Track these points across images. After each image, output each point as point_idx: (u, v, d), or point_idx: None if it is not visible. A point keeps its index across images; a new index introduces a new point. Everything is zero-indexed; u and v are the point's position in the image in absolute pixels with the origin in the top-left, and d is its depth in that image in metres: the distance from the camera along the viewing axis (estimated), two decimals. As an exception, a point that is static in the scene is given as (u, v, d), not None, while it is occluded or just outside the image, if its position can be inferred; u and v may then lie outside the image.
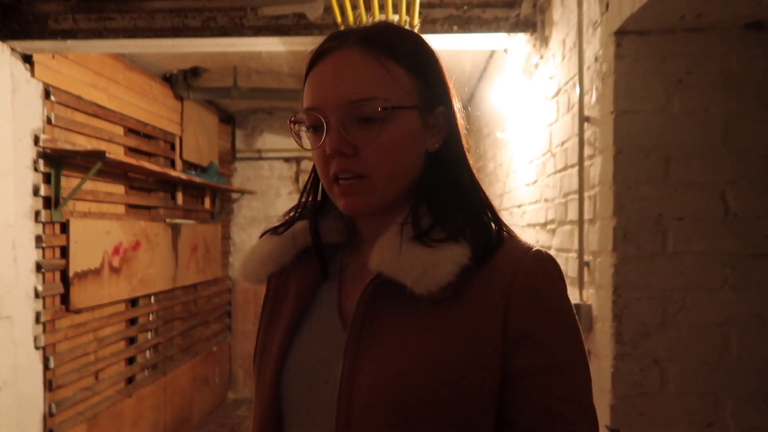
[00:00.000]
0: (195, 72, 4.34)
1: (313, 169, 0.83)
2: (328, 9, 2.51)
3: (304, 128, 0.78)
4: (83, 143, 3.23)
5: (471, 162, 0.81)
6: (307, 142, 0.78)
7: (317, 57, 0.75)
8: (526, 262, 0.73)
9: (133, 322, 3.84)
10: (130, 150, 3.81)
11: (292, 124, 0.79)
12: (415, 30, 2.35)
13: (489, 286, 0.71)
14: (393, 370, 0.69)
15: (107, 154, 2.99)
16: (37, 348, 2.89)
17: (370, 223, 0.80)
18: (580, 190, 1.96)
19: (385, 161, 0.73)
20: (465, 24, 2.52)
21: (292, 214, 0.87)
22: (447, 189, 0.77)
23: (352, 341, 0.72)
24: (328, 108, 0.72)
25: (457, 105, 0.80)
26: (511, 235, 0.78)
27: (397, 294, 0.71)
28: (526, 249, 0.75)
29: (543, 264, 0.74)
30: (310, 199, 0.85)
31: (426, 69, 0.77)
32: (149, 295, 4.01)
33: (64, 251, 3.06)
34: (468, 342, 0.70)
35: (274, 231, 0.86)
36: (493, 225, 0.77)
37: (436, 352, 0.69)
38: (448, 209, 0.75)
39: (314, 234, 0.82)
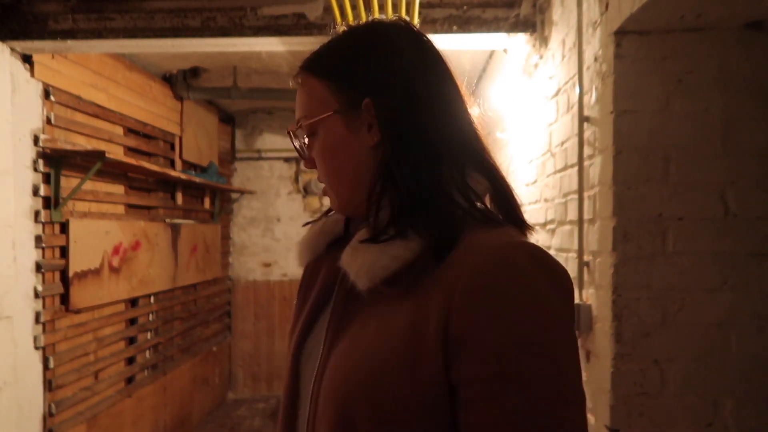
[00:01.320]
0: (195, 72, 4.34)
1: None
2: (328, 9, 2.51)
3: None
4: (83, 143, 3.23)
5: (438, 136, 0.73)
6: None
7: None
8: (483, 255, 0.65)
9: (132, 322, 3.84)
10: (130, 150, 3.81)
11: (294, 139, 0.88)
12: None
13: (440, 282, 0.66)
14: (346, 363, 0.70)
15: (107, 154, 2.99)
16: (36, 348, 2.89)
17: (359, 221, 0.82)
18: (580, 190, 1.96)
19: (325, 170, 0.80)
20: (465, 24, 2.52)
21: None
22: (398, 179, 0.72)
23: (329, 334, 0.75)
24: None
25: (405, 79, 0.74)
26: (493, 225, 0.71)
27: (367, 293, 0.72)
28: (494, 240, 0.68)
29: (505, 258, 0.65)
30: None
31: (347, 68, 0.76)
32: (149, 295, 4.00)
33: (64, 251, 3.06)
34: (408, 338, 0.65)
35: (314, 222, 0.92)
36: (460, 211, 0.71)
37: (379, 347, 0.67)
38: (400, 201, 0.71)
39: (346, 225, 0.86)
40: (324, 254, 0.87)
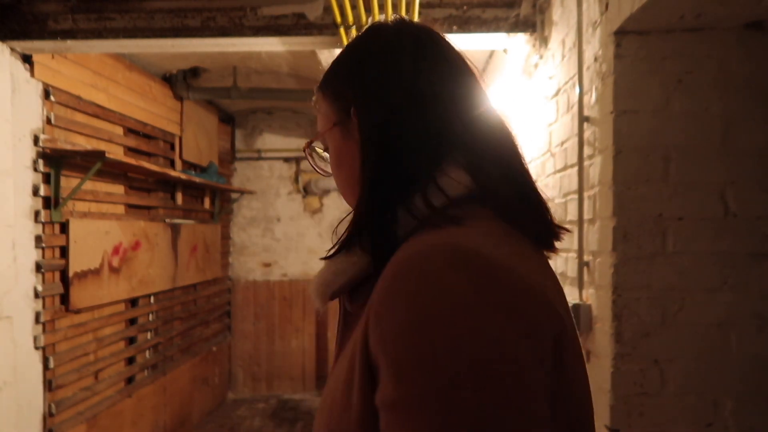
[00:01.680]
0: (195, 72, 4.34)
1: None
2: (328, 9, 2.51)
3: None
4: (83, 143, 3.23)
5: (416, 138, 0.68)
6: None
7: None
8: (392, 265, 0.57)
9: (132, 322, 3.84)
10: (130, 150, 3.81)
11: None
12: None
13: (371, 297, 0.59)
14: (326, 390, 0.69)
15: (107, 154, 2.99)
16: (36, 348, 2.89)
17: None
18: (580, 190, 1.96)
19: (336, 179, 0.79)
20: (464, 24, 2.52)
21: None
22: (362, 188, 0.70)
23: (336, 355, 0.75)
24: None
25: (388, 86, 0.70)
26: (436, 230, 0.61)
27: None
28: (420, 243, 0.59)
29: (419, 261, 0.56)
30: None
31: (336, 80, 0.78)
32: (149, 295, 4.00)
33: (64, 251, 3.06)
34: (350, 357, 0.61)
35: None
36: (414, 220, 0.64)
37: (338, 368, 0.67)
38: (356, 212, 0.70)
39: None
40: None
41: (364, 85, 0.72)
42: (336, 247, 0.71)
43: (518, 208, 0.68)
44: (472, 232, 0.60)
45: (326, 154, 0.82)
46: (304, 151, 0.84)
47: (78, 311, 3.18)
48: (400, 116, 0.68)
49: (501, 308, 0.53)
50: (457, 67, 0.73)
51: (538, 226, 0.70)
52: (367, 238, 0.66)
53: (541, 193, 0.72)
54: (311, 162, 0.85)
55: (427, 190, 0.65)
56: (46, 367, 2.95)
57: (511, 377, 0.51)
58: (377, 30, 0.76)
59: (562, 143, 2.19)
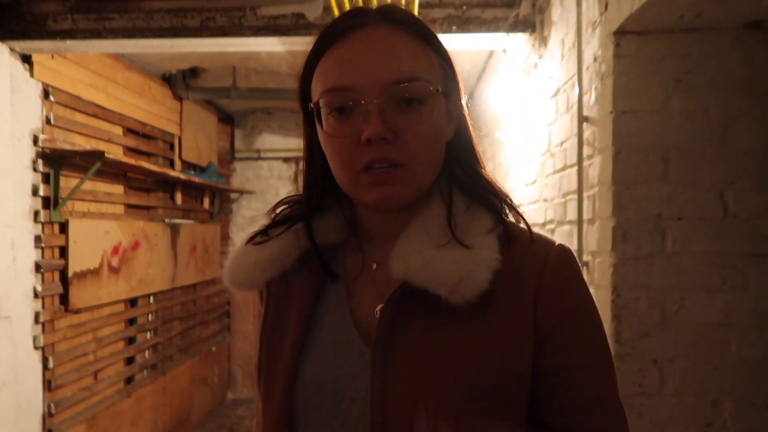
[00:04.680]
0: (194, 72, 4.34)
1: (316, 163, 0.75)
2: (327, 9, 2.51)
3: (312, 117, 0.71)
4: (82, 143, 3.23)
5: (480, 152, 0.79)
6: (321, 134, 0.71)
7: (336, 35, 0.68)
8: (552, 258, 0.71)
9: (132, 322, 3.84)
10: (129, 150, 3.81)
11: (309, 109, 0.70)
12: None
13: (516, 286, 0.69)
14: (424, 385, 0.65)
15: (106, 154, 2.99)
16: (36, 348, 2.89)
17: (385, 221, 0.74)
18: (579, 190, 1.96)
19: (426, 148, 0.67)
20: (464, 24, 2.52)
21: (285, 212, 0.81)
22: (469, 182, 0.74)
23: (379, 359, 0.67)
24: (366, 89, 0.65)
25: (464, 97, 0.77)
26: (529, 227, 0.75)
27: (423, 302, 0.67)
28: (547, 242, 0.73)
29: (568, 259, 0.73)
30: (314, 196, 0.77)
31: (447, 56, 0.73)
32: (148, 295, 4.00)
33: (63, 251, 3.06)
34: (500, 345, 0.68)
35: (264, 234, 0.80)
36: (510, 216, 0.75)
37: (469, 360, 0.66)
38: (474, 203, 0.73)
39: (309, 236, 0.76)
40: (290, 269, 0.77)
41: (455, 78, 0.74)
42: (467, 232, 0.70)
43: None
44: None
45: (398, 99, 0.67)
46: (374, 97, 0.65)
47: (77, 311, 3.18)
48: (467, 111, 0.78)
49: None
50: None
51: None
52: (500, 226, 0.72)
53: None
54: (386, 109, 0.65)
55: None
56: (45, 367, 2.95)
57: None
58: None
59: (562, 143, 2.19)
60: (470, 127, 0.77)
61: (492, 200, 0.73)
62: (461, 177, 0.74)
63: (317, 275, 0.76)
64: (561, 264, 0.71)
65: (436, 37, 0.72)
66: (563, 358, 0.70)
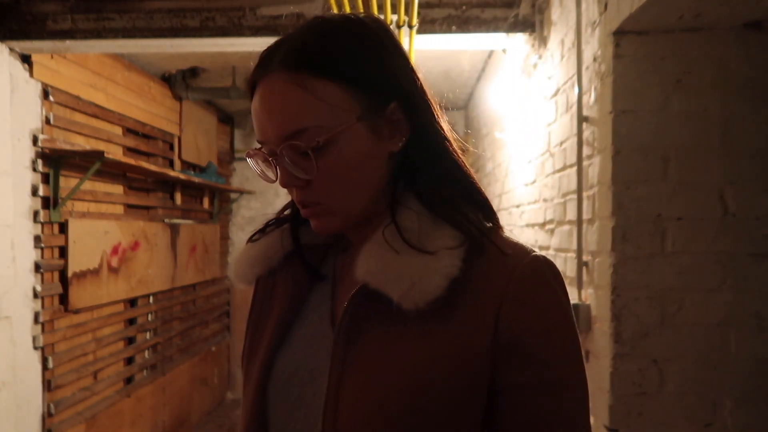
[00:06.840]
0: (194, 72, 4.33)
1: None
2: (327, 9, 2.51)
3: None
4: (82, 143, 3.23)
5: (454, 145, 0.74)
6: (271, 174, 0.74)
7: (251, 85, 0.73)
8: (520, 269, 0.68)
9: (131, 322, 3.84)
10: (129, 150, 3.81)
11: (250, 158, 0.75)
12: (414, 30, 2.35)
13: (480, 295, 0.67)
14: (378, 387, 0.66)
15: (106, 154, 2.99)
16: (35, 348, 2.89)
17: (359, 225, 0.74)
18: (579, 190, 1.96)
19: (335, 187, 0.69)
20: (463, 24, 2.52)
21: (286, 213, 0.86)
22: (429, 184, 0.71)
23: (338, 355, 0.69)
24: (271, 142, 0.69)
25: (430, 100, 0.73)
26: (505, 236, 0.73)
27: (384, 304, 0.67)
28: (521, 253, 0.69)
29: (539, 271, 0.69)
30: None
31: (366, 67, 0.68)
32: (148, 296, 4.00)
33: (63, 251, 3.06)
34: (457, 355, 0.66)
35: (261, 232, 0.85)
36: (482, 220, 0.72)
37: (425, 367, 0.66)
38: (433, 205, 0.70)
39: (294, 236, 0.80)
40: (277, 267, 0.81)
41: (404, 78, 0.71)
42: (427, 236, 0.68)
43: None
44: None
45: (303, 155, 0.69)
46: (276, 152, 0.68)
47: (77, 311, 3.18)
48: (435, 112, 0.73)
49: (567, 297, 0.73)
50: None
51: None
52: (466, 230, 0.69)
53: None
54: (285, 163, 0.68)
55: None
56: (45, 367, 2.95)
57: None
58: (361, 22, 0.71)
59: (561, 143, 2.19)
60: (438, 127, 0.73)
61: (453, 215, 0.69)
62: (422, 188, 0.71)
63: (303, 275, 0.80)
64: (530, 276, 0.68)
65: (354, 52, 0.68)
66: (527, 374, 0.66)
